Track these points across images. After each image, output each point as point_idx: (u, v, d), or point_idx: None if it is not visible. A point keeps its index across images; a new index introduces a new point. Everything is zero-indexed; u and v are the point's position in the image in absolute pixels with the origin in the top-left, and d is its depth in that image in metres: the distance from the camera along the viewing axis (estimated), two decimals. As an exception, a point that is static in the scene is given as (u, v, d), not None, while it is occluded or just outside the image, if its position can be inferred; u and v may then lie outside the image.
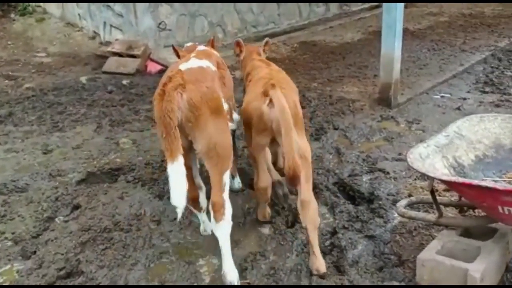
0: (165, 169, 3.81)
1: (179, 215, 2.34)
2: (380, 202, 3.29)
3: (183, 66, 2.63)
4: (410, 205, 2.94)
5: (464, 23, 8.81)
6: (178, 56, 3.30)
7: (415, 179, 3.61)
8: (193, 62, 2.71)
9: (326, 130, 4.50)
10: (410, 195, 3.32)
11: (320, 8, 10.27)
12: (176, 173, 2.30)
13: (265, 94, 2.64)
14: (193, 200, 2.83)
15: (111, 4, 7.47)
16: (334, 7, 10.57)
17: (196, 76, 2.57)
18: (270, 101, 2.60)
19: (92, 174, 3.84)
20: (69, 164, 4.05)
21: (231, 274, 2.55)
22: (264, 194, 2.97)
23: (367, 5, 11.28)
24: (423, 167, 2.33)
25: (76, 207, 3.37)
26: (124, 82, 6.25)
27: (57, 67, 7.11)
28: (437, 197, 2.67)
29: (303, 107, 5.04)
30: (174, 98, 2.38)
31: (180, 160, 2.31)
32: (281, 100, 2.52)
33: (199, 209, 2.94)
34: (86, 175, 3.82)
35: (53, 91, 5.98)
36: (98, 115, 5.12)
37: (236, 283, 2.55)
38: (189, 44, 3.65)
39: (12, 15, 9.72)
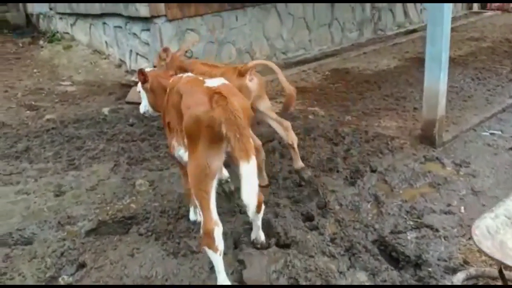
0: (181, 218, 3.52)
1: (251, 214, 2.54)
2: (430, 269, 2.79)
3: (212, 83, 2.65)
4: (469, 279, 2.44)
5: (509, 49, 8.20)
6: (145, 81, 3.34)
7: (469, 239, 3.09)
8: (217, 80, 2.73)
9: (363, 172, 4.04)
10: (465, 262, 2.81)
11: (353, 33, 9.88)
12: (251, 173, 2.30)
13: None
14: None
15: (137, 32, 7.30)
16: (368, 32, 10.17)
17: (230, 90, 2.62)
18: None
19: (104, 223, 3.50)
20: (81, 209, 3.73)
21: None
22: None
23: (402, 29, 10.84)
24: (494, 249, 1.85)
25: (82, 265, 3.01)
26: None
27: (81, 97, 6.94)
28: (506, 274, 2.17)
29: (335, 144, 4.69)
30: (233, 103, 2.41)
31: (254, 159, 2.33)
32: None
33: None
34: (97, 224, 3.48)
35: (73, 123, 5.75)
36: (117, 152, 4.82)
37: None
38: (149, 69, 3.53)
39: (41, 42, 9.78)
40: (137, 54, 7.55)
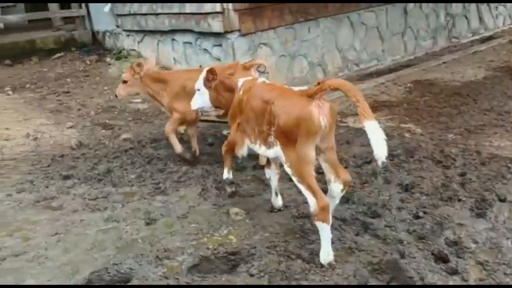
0: (292, 256, 3.08)
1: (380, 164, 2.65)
2: None
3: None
4: None
5: None
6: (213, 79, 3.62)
7: None
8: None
9: (490, 202, 3.51)
10: None
11: (426, 41, 9.30)
12: (377, 128, 2.67)
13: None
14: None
15: (208, 48, 7.10)
16: (442, 40, 9.55)
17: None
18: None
19: (205, 258, 3.17)
20: (177, 241, 3.43)
21: None
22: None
23: (477, 36, 10.12)
24: None
25: (192, 310, 2.69)
26: (225, 132, 5.69)
27: (153, 115, 6.78)
28: None
29: (446, 167, 4.16)
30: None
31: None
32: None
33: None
34: (199, 259, 3.16)
35: (151, 143, 5.56)
36: (201, 174, 4.54)
37: None
38: None
39: (108, 59, 9.82)
40: (207, 69, 7.34)
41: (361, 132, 5.15)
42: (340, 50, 7.95)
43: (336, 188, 3.06)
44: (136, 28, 8.78)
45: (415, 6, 9.02)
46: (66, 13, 10.76)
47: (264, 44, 6.96)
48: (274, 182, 3.65)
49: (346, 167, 4.32)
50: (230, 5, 6.44)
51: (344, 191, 3.12)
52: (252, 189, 4.18)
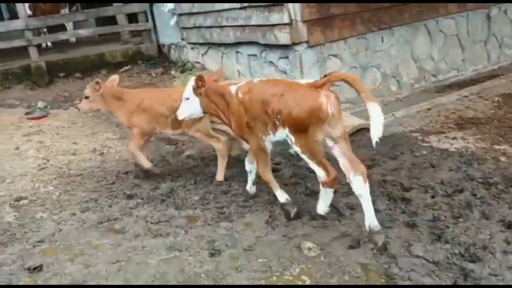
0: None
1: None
2: None
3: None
4: None
5: None
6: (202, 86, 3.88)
7: None
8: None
9: None
10: None
11: (512, 49, 8.42)
12: (379, 111, 2.96)
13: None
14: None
15: (274, 60, 6.80)
16: (530, 47, 8.60)
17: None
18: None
19: (276, 303, 2.82)
20: (243, 278, 3.11)
21: None
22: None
23: None
24: None
25: None
26: (292, 151, 5.32)
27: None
28: None
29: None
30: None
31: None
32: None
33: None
34: (268, 304, 2.81)
35: (215, 161, 5.30)
36: (268, 199, 4.19)
37: None
38: None
39: (173, 72, 9.84)
40: (272, 82, 7.03)
41: (448, 154, 4.61)
42: (416, 60, 7.34)
43: (358, 181, 3.22)
44: (200, 41, 8.69)
45: (499, 11, 8.20)
46: (133, 27, 10.95)
47: (334, 55, 6.54)
48: (253, 174, 4.15)
49: (433, 196, 3.81)
50: (299, 16, 6.09)
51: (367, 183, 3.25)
52: (323, 218, 3.77)
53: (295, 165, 4.89)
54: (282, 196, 3.85)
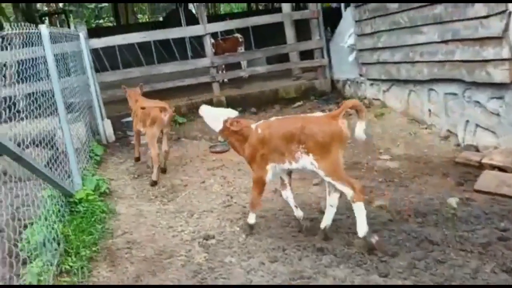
0: None
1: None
2: None
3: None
4: None
5: None
6: None
7: None
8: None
9: None
10: None
11: None
12: (364, 126, 3.81)
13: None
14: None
15: (482, 100, 5.80)
16: None
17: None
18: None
19: None
20: None
21: None
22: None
23: None
24: None
25: None
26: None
27: (408, 176, 5.79)
28: None
29: None
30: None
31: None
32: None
33: None
34: None
35: (415, 217, 4.56)
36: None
37: None
38: None
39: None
40: (477, 125, 6.01)
41: None
42: None
43: (334, 197, 4.07)
44: (383, 77, 8.07)
45: None
46: (308, 63, 10.88)
47: None
48: (292, 200, 4.54)
49: None
50: (522, 49, 5.08)
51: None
52: None
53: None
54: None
